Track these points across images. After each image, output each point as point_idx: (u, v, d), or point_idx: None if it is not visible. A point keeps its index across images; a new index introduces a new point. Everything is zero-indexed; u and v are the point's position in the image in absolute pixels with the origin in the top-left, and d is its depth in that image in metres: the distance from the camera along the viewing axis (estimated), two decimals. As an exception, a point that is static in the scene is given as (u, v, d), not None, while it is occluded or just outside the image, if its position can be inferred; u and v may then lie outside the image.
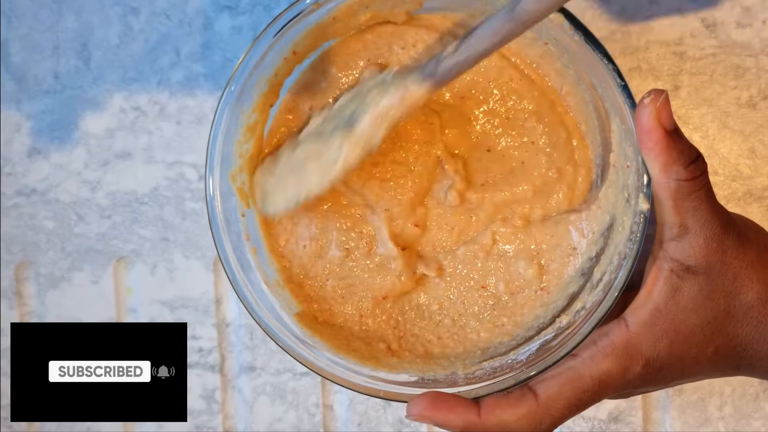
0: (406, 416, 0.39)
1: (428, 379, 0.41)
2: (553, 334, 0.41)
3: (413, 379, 0.41)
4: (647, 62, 0.48)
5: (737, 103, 0.48)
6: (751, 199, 0.49)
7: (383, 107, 0.38)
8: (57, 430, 0.52)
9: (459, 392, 0.39)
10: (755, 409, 0.50)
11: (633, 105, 0.38)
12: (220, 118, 0.40)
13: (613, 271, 0.39)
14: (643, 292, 0.38)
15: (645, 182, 0.38)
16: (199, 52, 0.50)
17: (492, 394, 0.39)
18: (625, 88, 0.38)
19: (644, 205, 0.38)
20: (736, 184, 0.49)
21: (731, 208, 0.48)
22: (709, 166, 0.38)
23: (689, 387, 0.50)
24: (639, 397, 0.50)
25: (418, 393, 0.39)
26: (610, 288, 0.39)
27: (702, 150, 0.39)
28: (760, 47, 0.48)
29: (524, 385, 0.39)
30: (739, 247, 0.38)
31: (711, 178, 0.39)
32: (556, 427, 0.39)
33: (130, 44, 0.50)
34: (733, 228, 0.38)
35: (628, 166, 0.39)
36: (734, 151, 0.49)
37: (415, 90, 0.38)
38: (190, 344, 0.51)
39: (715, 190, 0.45)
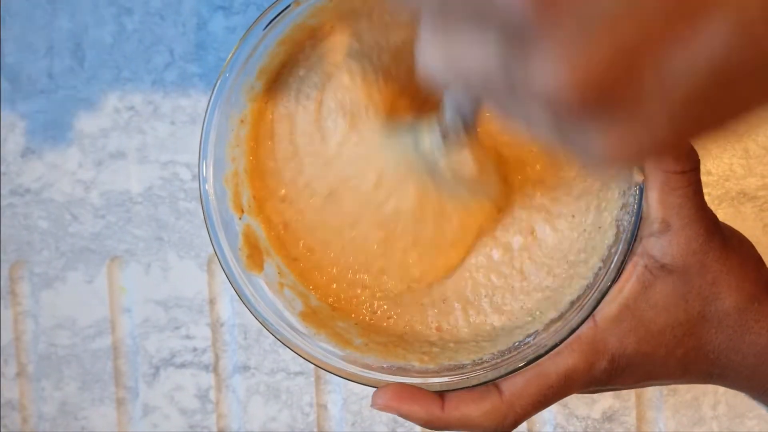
0: (371, 406, 0.39)
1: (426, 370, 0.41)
2: (541, 327, 0.40)
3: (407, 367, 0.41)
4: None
5: (731, 103, 0.48)
6: (744, 199, 0.49)
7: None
8: (51, 429, 0.52)
9: (426, 384, 0.39)
10: (749, 408, 0.50)
11: None
12: (211, 116, 0.40)
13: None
14: (614, 288, 0.38)
15: None
16: (193, 52, 0.50)
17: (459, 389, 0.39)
18: None
19: (638, 177, 0.37)
20: (730, 183, 0.49)
21: (724, 207, 0.48)
22: (702, 165, 0.38)
23: (683, 386, 0.50)
24: (633, 396, 0.50)
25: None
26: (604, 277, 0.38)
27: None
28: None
29: None
30: (722, 251, 0.37)
31: (704, 177, 0.38)
32: (520, 423, 0.38)
33: (124, 44, 0.50)
34: (718, 232, 0.38)
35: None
36: (728, 150, 0.49)
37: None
38: (184, 344, 0.51)
39: (708, 189, 0.45)
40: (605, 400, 0.50)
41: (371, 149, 0.41)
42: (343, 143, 0.42)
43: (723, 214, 0.39)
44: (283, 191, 0.43)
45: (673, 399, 0.50)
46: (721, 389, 0.50)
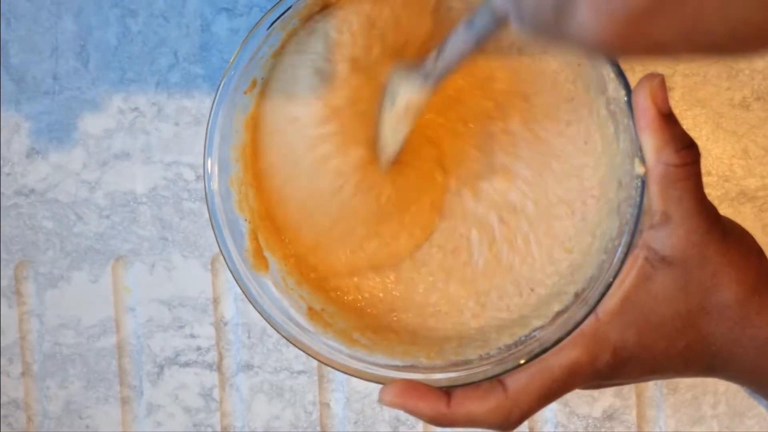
0: (378, 402, 0.39)
1: (427, 366, 0.41)
2: (546, 321, 0.40)
3: (406, 364, 0.41)
4: (641, 64, 0.48)
5: (730, 104, 0.48)
6: (744, 200, 0.49)
7: (393, 115, 0.39)
8: (55, 428, 0.52)
9: (432, 379, 0.39)
10: (749, 407, 0.50)
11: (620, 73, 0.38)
12: (215, 117, 0.40)
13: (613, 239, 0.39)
14: (615, 281, 0.38)
15: (639, 147, 0.37)
16: (197, 53, 0.50)
17: (465, 385, 0.39)
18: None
19: (640, 169, 0.37)
20: (729, 184, 0.49)
21: (724, 208, 0.49)
22: (702, 166, 0.38)
23: (683, 385, 0.50)
24: (633, 395, 0.50)
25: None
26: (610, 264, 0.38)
27: (695, 150, 0.39)
28: (752, 48, 0.48)
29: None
30: (722, 244, 0.37)
31: (704, 178, 0.38)
32: (525, 419, 0.38)
33: (129, 46, 0.50)
34: (718, 224, 0.38)
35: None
36: (727, 151, 0.49)
37: (414, 98, 0.38)
38: (188, 343, 0.51)
39: (708, 190, 0.45)
40: (606, 398, 0.50)
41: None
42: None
43: (722, 215, 0.39)
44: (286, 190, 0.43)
45: (674, 398, 0.50)
46: (722, 388, 0.50)
